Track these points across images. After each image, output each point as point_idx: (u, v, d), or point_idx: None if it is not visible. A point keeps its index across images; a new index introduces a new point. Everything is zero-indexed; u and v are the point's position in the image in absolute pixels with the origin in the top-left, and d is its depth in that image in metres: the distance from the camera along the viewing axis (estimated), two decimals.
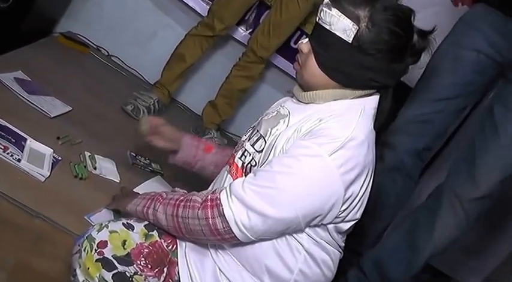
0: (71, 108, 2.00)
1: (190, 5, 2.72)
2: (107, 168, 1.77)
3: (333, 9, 1.23)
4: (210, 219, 1.19)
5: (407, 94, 2.13)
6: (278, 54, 2.77)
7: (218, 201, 1.20)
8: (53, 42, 2.58)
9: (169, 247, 1.33)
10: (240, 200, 1.18)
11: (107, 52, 2.83)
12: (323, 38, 1.26)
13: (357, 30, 1.21)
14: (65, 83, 2.24)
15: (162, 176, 1.94)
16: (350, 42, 1.22)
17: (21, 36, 2.35)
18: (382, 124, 1.33)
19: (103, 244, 1.22)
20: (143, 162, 1.94)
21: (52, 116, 1.87)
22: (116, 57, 2.84)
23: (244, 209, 1.18)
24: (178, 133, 1.65)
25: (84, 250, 1.21)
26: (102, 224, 1.27)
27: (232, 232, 1.19)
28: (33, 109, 1.84)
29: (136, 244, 1.26)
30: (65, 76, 2.32)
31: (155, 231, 1.32)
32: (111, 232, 1.25)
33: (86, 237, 1.23)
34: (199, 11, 2.71)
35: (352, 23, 1.21)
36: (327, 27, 1.24)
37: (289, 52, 2.76)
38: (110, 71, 2.73)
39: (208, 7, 2.58)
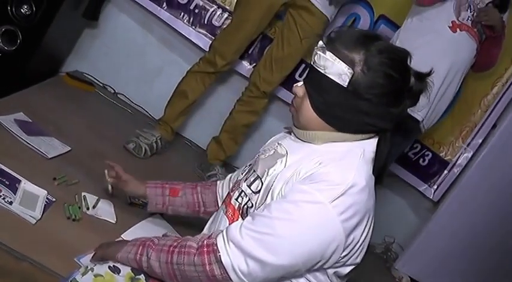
0: (70, 148, 2.00)
1: (193, 40, 2.76)
2: (102, 209, 1.75)
3: (327, 52, 1.23)
4: (207, 266, 1.18)
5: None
6: (282, 86, 2.75)
7: (215, 247, 1.18)
8: (58, 82, 2.62)
9: None
10: (238, 246, 1.16)
11: (113, 90, 2.87)
12: (318, 82, 1.25)
13: (352, 75, 1.20)
14: (67, 123, 2.25)
15: (162, 214, 1.91)
16: (345, 86, 1.21)
17: (27, 77, 2.38)
18: (380, 168, 1.30)
19: None
20: (142, 201, 1.91)
21: (50, 156, 1.87)
22: (122, 94, 2.88)
23: (242, 255, 1.16)
24: (140, 184, 1.70)
25: None
26: (87, 267, 1.25)
27: (230, 279, 1.17)
28: (30, 150, 1.85)
29: None
30: (68, 115, 2.34)
31: (142, 275, 1.28)
32: (96, 276, 1.23)
33: (70, 281, 1.21)
34: (202, 47, 2.74)
35: (347, 67, 1.20)
36: (322, 71, 1.23)
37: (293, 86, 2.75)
38: (115, 109, 2.75)
39: (210, 42, 2.59)
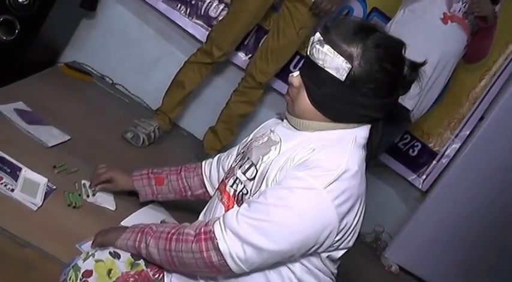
0: (70, 137, 2.03)
1: (190, 31, 2.78)
2: (102, 197, 1.77)
3: (325, 46, 1.22)
4: (205, 253, 1.19)
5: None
6: (277, 78, 2.80)
7: (212, 235, 1.20)
8: (56, 72, 2.63)
9: (156, 276, 1.34)
10: (235, 233, 1.18)
11: (111, 80, 2.89)
12: (315, 74, 1.25)
13: (350, 69, 1.20)
14: (66, 112, 2.27)
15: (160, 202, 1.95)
16: (343, 80, 1.22)
17: (25, 67, 2.40)
18: (373, 153, 1.33)
19: (88, 273, 1.23)
20: None
21: (49, 145, 1.90)
22: (120, 85, 2.90)
23: (239, 242, 1.17)
24: (127, 180, 1.74)
25: (69, 279, 1.22)
26: (88, 253, 1.28)
27: (228, 265, 1.19)
28: (30, 139, 1.87)
29: (122, 273, 1.27)
30: (66, 105, 2.36)
31: (142, 260, 1.32)
32: (96, 261, 1.26)
33: (72, 266, 1.24)
34: (199, 38, 2.76)
35: (345, 61, 1.20)
36: (320, 63, 1.23)
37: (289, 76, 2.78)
38: (113, 99, 2.77)
39: (207, 33, 2.62)
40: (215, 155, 2.59)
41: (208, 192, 1.67)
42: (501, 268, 3.21)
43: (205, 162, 1.71)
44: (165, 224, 1.35)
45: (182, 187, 1.70)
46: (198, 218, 1.51)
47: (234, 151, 1.61)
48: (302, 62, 1.35)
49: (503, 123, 2.94)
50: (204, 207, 1.52)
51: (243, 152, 1.46)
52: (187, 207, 1.83)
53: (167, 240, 1.24)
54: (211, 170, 1.67)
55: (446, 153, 3.21)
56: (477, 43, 2.45)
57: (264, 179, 1.28)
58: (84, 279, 1.22)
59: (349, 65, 1.20)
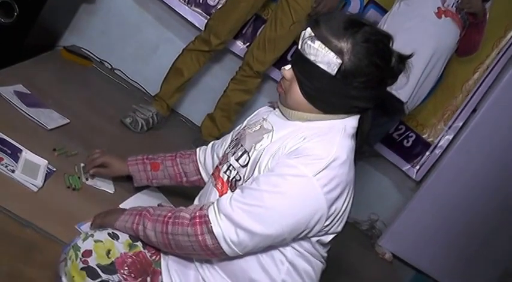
0: (69, 121, 2.05)
1: (189, 19, 2.79)
2: (101, 180, 1.80)
3: (316, 42, 1.25)
4: (200, 236, 1.23)
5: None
6: (275, 67, 2.81)
7: (207, 219, 1.23)
8: (56, 56, 2.64)
9: (153, 257, 1.37)
10: (229, 218, 1.22)
11: (110, 65, 2.90)
12: (307, 69, 1.28)
13: (340, 64, 1.23)
14: (65, 96, 2.28)
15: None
16: (334, 74, 1.25)
17: (25, 50, 2.41)
18: (363, 142, 1.36)
19: (88, 253, 1.26)
20: None
21: (49, 128, 1.92)
22: (119, 70, 2.91)
23: (233, 226, 1.21)
24: (122, 165, 1.75)
25: (70, 259, 1.25)
26: (87, 233, 1.31)
27: (221, 248, 1.22)
28: (31, 121, 1.89)
29: (121, 254, 1.30)
30: (66, 89, 2.38)
31: (139, 242, 1.36)
32: (96, 241, 1.29)
33: (72, 246, 1.27)
34: (197, 25, 2.78)
35: (336, 56, 1.23)
36: (311, 58, 1.26)
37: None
38: (112, 84, 2.79)
39: (206, 21, 2.64)
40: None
41: (203, 179, 1.70)
42: (492, 256, 3.27)
43: (200, 149, 1.73)
44: (162, 207, 1.38)
45: (178, 173, 1.72)
46: (193, 202, 1.53)
47: (228, 138, 1.63)
48: (294, 53, 1.37)
49: (495, 115, 2.99)
50: (199, 192, 1.55)
51: (237, 138, 1.49)
52: (183, 192, 1.86)
53: (164, 224, 1.28)
54: (206, 156, 1.69)
55: (439, 144, 3.25)
56: (468, 38, 2.50)
57: (256, 165, 1.32)
58: (84, 258, 1.25)
59: (339, 60, 1.23)
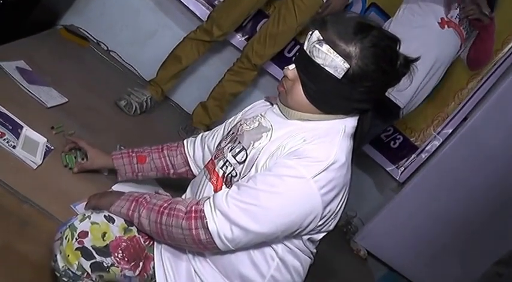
0: (67, 100, 2.07)
1: (191, 8, 2.79)
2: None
3: (324, 45, 1.23)
4: (194, 230, 1.24)
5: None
6: (272, 62, 2.85)
7: (202, 214, 1.24)
8: (55, 35, 2.64)
9: (146, 243, 1.40)
10: (224, 215, 1.23)
11: (107, 47, 2.91)
12: (312, 71, 1.27)
13: (348, 69, 1.23)
14: (63, 75, 2.30)
15: None
16: (340, 78, 1.25)
17: (27, 26, 2.40)
18: (360, 141, 1.39)
19: (84, 234, 1.27)
20: None
21: (48, 106, 1.94)
22: (115, 52, 2.92)
23: (228, 223, 1.23)
24: (106, 158, 1.71)
25: (66, 238, 1.27)
26: (85, 215, 1.32)
27: (215, 243, 1.24)
28: (31, 98, 1.91)
29: (116, 237, 1.32)
30: (64, 68, 2.39)
31: (134, 226, 1.37)
32: (92, 223, 1.30)
33: (69, 225, 1.29)
34: (199, 15, 2.78)
35: (344, 61, 1.22)
36: (318, 62, 1.25)
37: (283, 61, 2.85)
38: (107, 66, 2.80)
39: (208, 12, 2.66)
40: (203, 130, 2.68)
41: (191, 170, 1.70)
42: (467, 261, 3.33)
43: (188, 141, 1.72)
44: (158, 196, 1.38)
45: (165, 165, 1.71)
46: (185, 191, 1.56)
47: (220, 130, 1.64)
48: (297, 53, 1.33)
49: (486, 125, 3.02)
50: (189, 183, 1.56)
51: (233, 133, 1.49)
52: (173, 183, 1.86)
53: (159, 213, 1.29)
54: (195, 149, 1.69)
55: (426, 148, 3.28)
56: (480, 47, 2.53)
57: (254, 164, 1.32)
58: (79, 239, 1.26)
59: (347, 65, 1.23)
